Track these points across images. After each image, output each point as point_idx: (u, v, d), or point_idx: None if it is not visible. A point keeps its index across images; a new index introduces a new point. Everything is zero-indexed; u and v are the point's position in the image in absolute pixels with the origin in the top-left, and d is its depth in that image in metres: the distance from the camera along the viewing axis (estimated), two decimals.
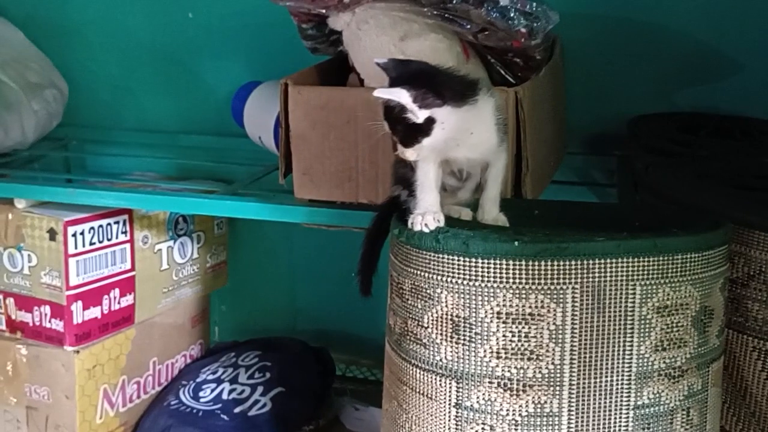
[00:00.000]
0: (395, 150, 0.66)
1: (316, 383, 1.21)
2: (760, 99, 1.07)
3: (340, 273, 1.35)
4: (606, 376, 0.62)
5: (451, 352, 0.63)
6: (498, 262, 0.61)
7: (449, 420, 0.64)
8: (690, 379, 0.65)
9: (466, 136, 0.66)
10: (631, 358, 0.62)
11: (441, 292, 0.63)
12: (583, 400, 0.62)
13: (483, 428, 0.63)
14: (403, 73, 0.66)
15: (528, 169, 0.85)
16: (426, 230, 0.65)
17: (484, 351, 0.62)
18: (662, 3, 1.09)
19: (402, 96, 0.63)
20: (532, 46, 0.80)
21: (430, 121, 0.64)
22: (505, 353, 0.62)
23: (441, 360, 0.64)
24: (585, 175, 1.15)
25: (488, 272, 0.61)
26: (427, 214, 0.66)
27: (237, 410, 1.13)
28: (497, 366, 0.62)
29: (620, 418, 0.63)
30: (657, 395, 0.63)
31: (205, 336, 1.33)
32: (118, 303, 1.13)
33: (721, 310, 0.67)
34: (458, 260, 0.62)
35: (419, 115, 0.63)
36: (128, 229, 1.13)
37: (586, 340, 0.62)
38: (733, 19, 1.07)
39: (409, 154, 0.65)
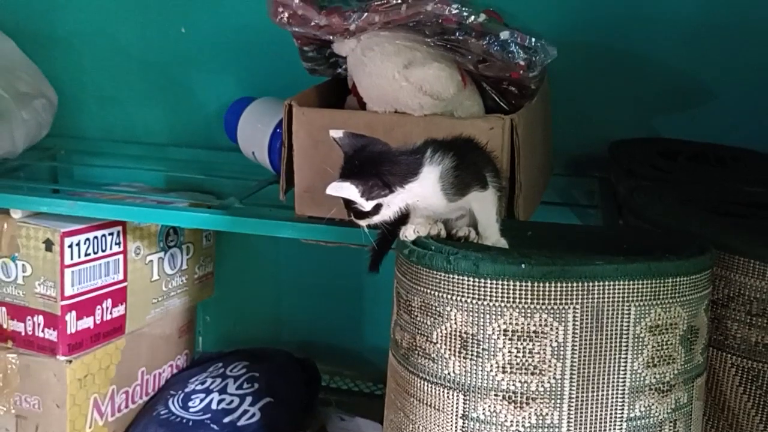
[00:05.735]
0: (349, 218, 0.73)
1: (303, 393, 1.24)
2: (734, 127, 1.13)
3: (325, 285, 1.38)
4: (602, 390, 0.67)
5: (459, 366, 0.67)
6: (506, 282, 0.65)
7: (456, 430, 0.68)
8: (677, 393, 0.70)
9: (413, 204, 0.72)
10: (625, 374, 0.67)
11: (450, 310, 0.67)
12: (581, 413, 0.67)
13: None
14: (354, 158, 0.72)
15: (521, 191, 0.89)
16: (407, 239, 0.71)
17: (491, 366, 0.66)
18: (643, 33, 1.15)
19: (351, 192, 0.70)
20: (529, 77, 0.85)
21: (377, 207, 0.71)
22: (511, 368, 0.66)
23: (449, 374, 0.67)
24: (567, 196, 1.19)
25: (497, 292, 0.65)
26: (409, 226, 0.72)
27: (226, 420, 1.15)
28: (503, 380, 0.66)
29: (614, 429, 0.67)
30: (648, 408, 0.68)
31: (191, 346, 1.34)
32: (110, 313, 1.15)
33: (705, 330, 0.72)
34: (468, 280, 0.66)
35: (366, 206, 0.70)
36: (122, 240, 1.15)
37: (585, 356, 0.66)
38: (709, 50, 1.13)
39: (362, 223, 0.72)
